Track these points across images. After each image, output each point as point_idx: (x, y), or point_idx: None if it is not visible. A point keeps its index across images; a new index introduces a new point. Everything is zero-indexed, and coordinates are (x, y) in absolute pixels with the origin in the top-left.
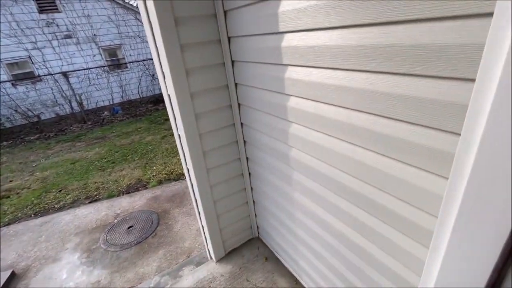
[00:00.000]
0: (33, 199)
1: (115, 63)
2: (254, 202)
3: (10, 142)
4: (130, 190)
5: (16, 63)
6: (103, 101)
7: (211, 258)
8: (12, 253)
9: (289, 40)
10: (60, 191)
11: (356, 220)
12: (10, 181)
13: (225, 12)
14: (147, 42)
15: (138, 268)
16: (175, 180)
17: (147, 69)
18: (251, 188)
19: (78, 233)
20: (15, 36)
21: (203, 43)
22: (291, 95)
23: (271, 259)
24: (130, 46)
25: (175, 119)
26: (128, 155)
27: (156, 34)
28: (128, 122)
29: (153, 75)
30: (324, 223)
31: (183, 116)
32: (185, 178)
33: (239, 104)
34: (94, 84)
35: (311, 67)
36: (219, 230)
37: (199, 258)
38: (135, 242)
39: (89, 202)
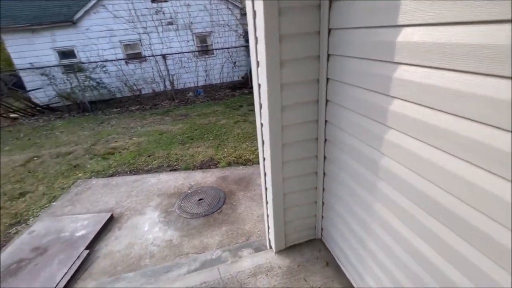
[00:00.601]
0: (129, 159)
1: (204, 49)
2: (323, 203)
3: (118, 109)
4: (203, 166)
5: (130, 44)
6: (189, 83)
7: (270, 247)
8: (113, 200)
9: (407, 35)
10: (149, 156)
11: (454, 251)
12: (116, 141)
13: (330, 2)
14: (234, 31)
15: (203, 237)
16: (242, 164)
17: (230, 56)
18: (323, 189)
19: (159, 195)
20: (132, 22)
21: (302, 34)
22: (396, 98)
23: (332, 265)
24: (219, 34)
25: (260, 107)
26: (205, 134)
27: (258, 23)
28: (207, 104)
29: (235, 62)
30: (406, 244)
31: (270, 106)
32: (251, 164)
33: (327, 101)
34: (184, 67)
35: (432, 68)
36: (283, 223)
37: (258, 244)
38: (203, 214)
39: (170, 170)
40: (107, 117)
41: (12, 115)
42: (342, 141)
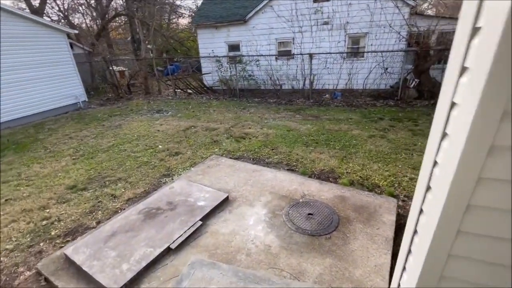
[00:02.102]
0: (256, 147)
1: (354, 51)
2: None
3: (259, 99)
4: (321, 175)
5: (283, 42)
6: (328, 84)
7: None
8: (232, 182)
9: None
10: (273, 149)
11: None
12: (249, 127)
13: None
14: (395, 32)
15: (302, 260)
16: (368, 189)
17: (383, 61)
18: None
19: (271, 193)
20: (291, 21)
21: None
22: None
23: None
24: (376, 35)
25: (442, 137)
26: (331, 141)
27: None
28: (342, 109)
29: (386, 68)
30: None
31: (470, 141)
32: (380, 192)
33: None
34: (328, 67)
35: None
36: None
37: None
38: (309, 232)
39: (287, 169)
40: (249, 104)
41: (188, 91)
42: None
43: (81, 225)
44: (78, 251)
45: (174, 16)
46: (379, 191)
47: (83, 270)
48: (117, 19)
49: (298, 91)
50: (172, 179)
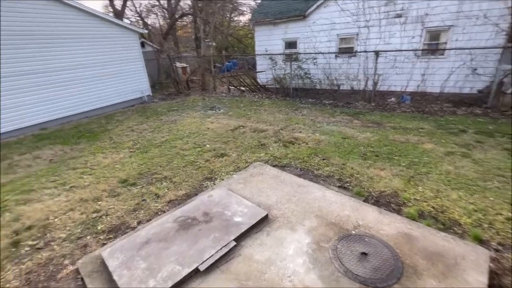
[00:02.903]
0: (305, 155)
1: (432, 47)
2: None
3: (313, 100)
4: (381, 199)
5: (345, 38)
6: (395, 86)
7: None
8: (274, 197)
9: None
10: (324, 159)
11: None
12: (300, 131)
13: None
14: (492, 24)
15: None
16: (444, 226)
17: (471, 60)
18: None
19: (318, 216)
20: (356, 15)
21: None
22: None
23: None
24: (463, 29)
25: None
26: (395, 155)
27: None
28: (411, 116)
29: (475, 69)
30: None
31: None
32: (462, 234)
33: None
34: (396, 67)
35: None
36: None
37: None
38: (361, 279)
39: (339, 186)
40: (302, 105)
41: (241, 88)
42: None
43: (123, 223)
44: (113, 255)
45: (235, 14)
46: (460, 232)
47: (113, 279)
48: (184, 18)
49: (358, 93)
50: (214, 183)
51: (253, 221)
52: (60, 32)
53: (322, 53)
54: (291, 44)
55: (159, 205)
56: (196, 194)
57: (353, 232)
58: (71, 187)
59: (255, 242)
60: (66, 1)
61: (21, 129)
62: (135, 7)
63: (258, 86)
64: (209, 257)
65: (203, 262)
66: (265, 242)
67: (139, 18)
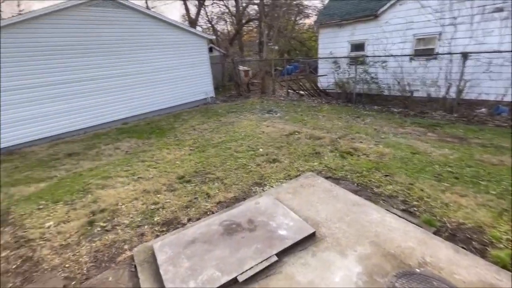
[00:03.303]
0: (364, 169)
1: None
2: None
3: (379, 107)
4: (457, 233)
5: (424, 39)
6: (488, 94)
7: None
8: (323, 214)
9: None
10: (386, 176)
11: None
12: (360, 142)
13: None
14: None
15: None
16: None
17: None
18: None
19: (373, 243)
20: (440, 12)
21: None
22: None
23: None
24: None
25: None
26: (483, 180)
27: None
28: (508, 132)
29: None
30: None
31: None
32: None
33: None
34: (491, 71)
35: None
36: None
37: None
38: None
39: (402, 210)
40: (365, 112)
41: (300, 92)
42: None
43: (176, 218)
44: (162, 249)
45: (300, 17)
46: None
47: (159, 273)
48: (250, 23)
49: (436, 101)
50: (263, 189)
51: (299, 237)
52: (144, 40)
53: (394, 55)
54: (357, 47)
55: (208, 205)
56: (244, 199)
57: (417, 270)
58: (138, 177)
59: (298, 260)
60: (149, 12)
61: (108, 122)
62: (207, 15)
63: (318, 91)
64: (249, 269)
65: (242, 273)
66: (310, 262)
67: (210, 25)
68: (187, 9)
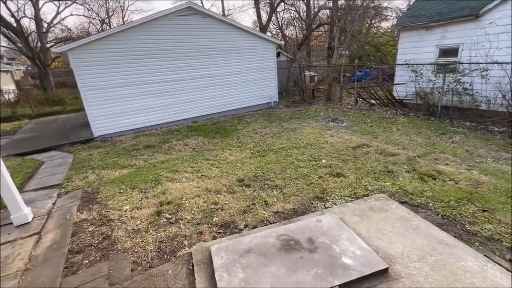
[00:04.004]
0: (452, 198)
1: None
2: None
3: (472, 124)
4: None
5: None
6: None
7: None
8: (399, 247)
9: None
10: (483, 211)
11: None
12: (446, 164)
13: None
14: None
15: None
16: None
17: None
18: None
19: None
20: None
21: None
22: None
23: None
24: None
25: None
26: None
27: None
28: None
29: None
30: None
31: None
32: None
33: None
34: None
35: None
36: None
37: None
38: None
39: (511, 261)
40: (453, 129)
41: (371, 101)
42: None
43: (233, 221)
44: (219, 253)
45: (376, 20)
46: None
47: (214, 277)
48: (320, 28)
49: None
50: (325, 205)
51: (367, 271)
52: (219, 45)
53: (500, 63)
54: (448, 52)
55: (266, 214)
56: (304, 212)
57: None
58: (202, 175)
59: None
60: (225, 20)
61: (180, 120)
62: (278, 21)
63: (393, 101)
64: None
65: None
66: None
67: (279, 31)
68: (259, 15)
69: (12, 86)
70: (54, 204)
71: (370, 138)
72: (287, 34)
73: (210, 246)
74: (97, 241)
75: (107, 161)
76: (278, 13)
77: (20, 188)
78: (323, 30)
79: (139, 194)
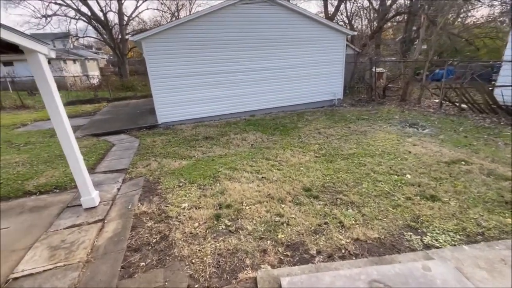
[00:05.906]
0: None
1: None
2: None
3: None
4: None
5: None
6: None
7: None
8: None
9: None
10: None
11: None
12: None
13: None
14: None
15: None
16: None
17: None
18: None
19: None
20: None
21: None
22: None
23: None
24: None
25: None
26: None
27: None
28: None
29: None
30: None
31: None
32: None
33: None
34: None
35: None
36: None
37: None
38: None
39: None
40: None
41: (462, 105)
42: None
43: (302, 243)
44: None
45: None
46: None
47: None
48: (393, 19)
49: None
50: (421, 240)
51: None
52: (287, 36)
53: None
54: None
55: (343, 239)
56: (393, 246)
57: None
58: (262, 177)
59: None
60: (296, 8)
61: (238, 113)
62: (346, 11)
63: (493, 106)
64: None
65: None
66: None
67: (347, 22)
68: (325, 5)
69: (97, 72)
70: (118, 189)
71: (468, 152)
72: (355, 26)
73: (279, 276)
74: (155, 240)
75: (169, 150)
76: (346, 2)
77: (93, 169)
78: (397, 21)
79: (198, 190)
